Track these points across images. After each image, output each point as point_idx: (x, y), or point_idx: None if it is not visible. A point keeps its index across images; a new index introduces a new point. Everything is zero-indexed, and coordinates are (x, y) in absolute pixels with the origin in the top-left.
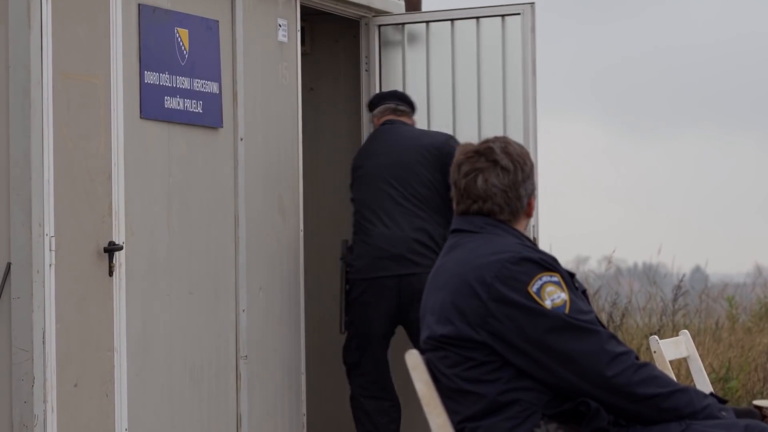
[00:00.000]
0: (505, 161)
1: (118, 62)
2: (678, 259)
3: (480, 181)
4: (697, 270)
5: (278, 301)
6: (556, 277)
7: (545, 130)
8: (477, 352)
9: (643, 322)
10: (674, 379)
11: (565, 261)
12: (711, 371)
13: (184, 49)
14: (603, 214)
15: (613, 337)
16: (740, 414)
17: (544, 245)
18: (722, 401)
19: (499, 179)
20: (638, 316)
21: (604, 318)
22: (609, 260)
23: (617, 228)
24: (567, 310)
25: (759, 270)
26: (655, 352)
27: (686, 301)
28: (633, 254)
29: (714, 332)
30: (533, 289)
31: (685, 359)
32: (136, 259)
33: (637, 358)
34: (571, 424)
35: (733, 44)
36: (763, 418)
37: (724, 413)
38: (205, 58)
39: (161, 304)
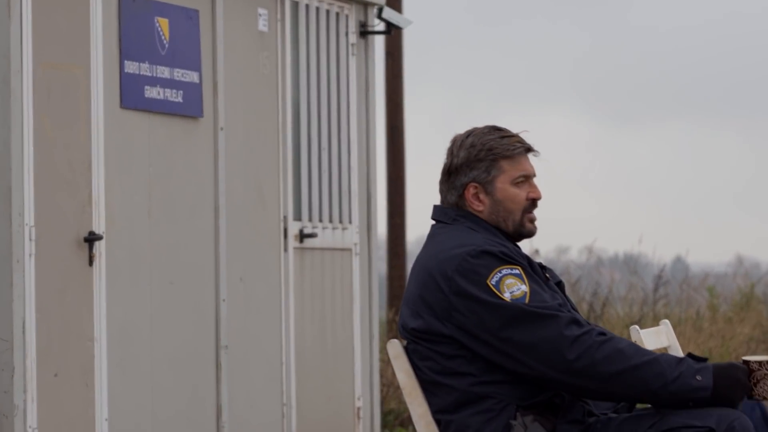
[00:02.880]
0: (447, 152)
1: (99, 52)
2: (659, 248)
3: None
4: (678, 260)
5: (259, 291)
6: (517, 270)
7: (524, 121)
8: (447, 346)
9: (623, 311)
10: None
11: (546, 251)
12: None
13: (164, 38)
14: (584, 204)
15: (575, 321)
16: (720, 369)
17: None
18: (701, 359)
19: (442, 169)
20: (619, 305)
21: (584, 308)
22: (590, 250)
23: (598, 218)
24: (527, 301)
25: (740, 260)
26: (635, 341)
27: (667, 291)
28: (614, 244)
29: (695, 322)
30: (492, 281)
31: (665, 349)
32: (117, 248)
33: (601, 334)
34: (548, 416)
35: (723, 26)
36: (750, 372)
37: (699, 377)
38: (186, 48)
39: (141, 293)
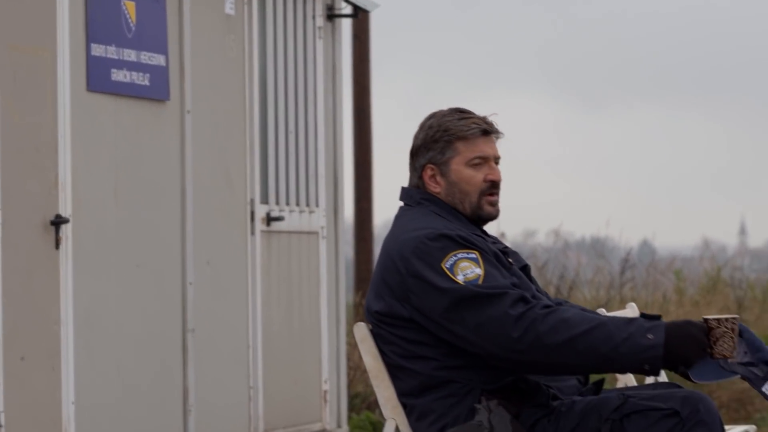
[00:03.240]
0: (414, 134)
1: (65, 35)
2: (626, 232)
3: None
4: (645, 243)
5: (225, 274)
6: (474, 254)
7: (491, 104)
8: (408, 330)
9: (590, 295)
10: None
11: (513, 234)
12: None
13: (131, 21)
14: (551, 187)
15: (522, 298)
16: (673, 327)
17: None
18: (654, 317)
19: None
20: (586, 289)
21: (551, 291)
22: (557, 233)
23: (565, 201)
24: (480, 283)
25: (706, 243)
26: None
27: (633, 275)
28: (581, 227)
29: (661, 305)
30: (447, 264)
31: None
32: (83, 232)
33: (546, 306)
34: (512, 400)
35: (698, 12)
36: (709, 330)
37: (650, 335)
38: (152, 31)
39: (108, 277)
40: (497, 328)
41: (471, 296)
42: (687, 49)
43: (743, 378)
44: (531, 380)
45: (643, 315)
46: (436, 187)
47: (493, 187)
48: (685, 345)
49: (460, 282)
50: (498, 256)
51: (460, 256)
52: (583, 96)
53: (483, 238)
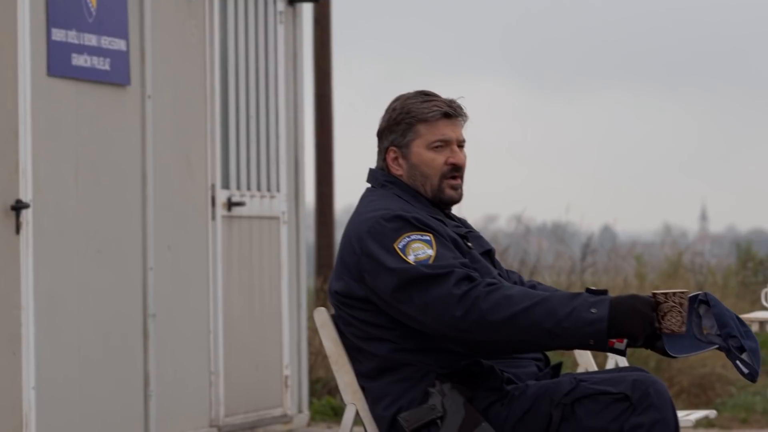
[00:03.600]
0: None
1: (25, 19)
2: (587, 217)
3: None
4: (606, 229)
5: (186, 260)
6: (428, 236)
7: (453, 90)
8: (366, 312)
9: (551, 280)
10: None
11: (475, 219)
12: None
13: (92, 6)
14: (513, 173)
15: (467, 277)
16: (618, 301)
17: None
18: (600, 292)
19: None
20: (547, 274)
21: None
22: (518, 219)
23: (527, 187)
24: (430, 264)
25: (667, 228)
26: None
27: (595, 260)
28: (542, 213)
29: (622, 290)
30: (399, 245)
31: None
32: (44, 217)
33: (489, 284)
34: (467, 384)
35: None
36: (657, 304)
37: (593, 310)
38: (113, 16)
39: (69, 262)
40: (442, 308)
41: (419, 276)
42: (655, 36)
43: (720, 349)
44: (485, 364)
45: (588, 290)
46: (398, 169)
47: (454, 170)
48: (629, 319)
49: (411, 262)
50: (456, 241)
51: (413, 237)
52: (547, 82)
53: (442, 221)
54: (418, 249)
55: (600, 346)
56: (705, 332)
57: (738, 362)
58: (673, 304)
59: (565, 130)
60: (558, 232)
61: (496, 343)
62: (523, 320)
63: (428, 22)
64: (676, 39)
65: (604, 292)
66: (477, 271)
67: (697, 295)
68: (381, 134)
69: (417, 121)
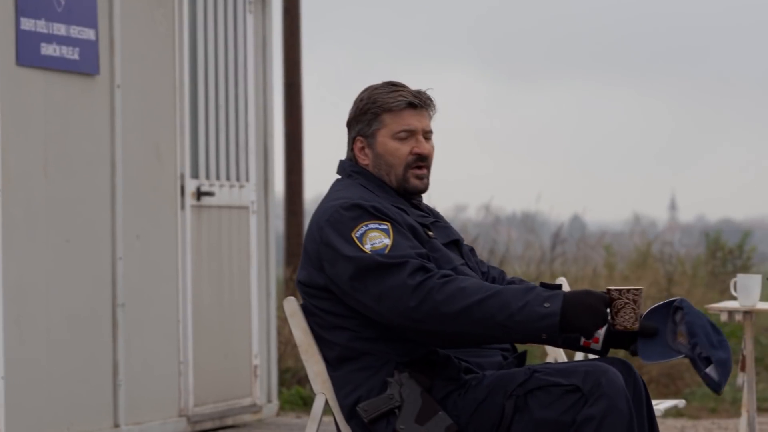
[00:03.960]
0: None
1: None
2: (556, 207)
3: None
4: (575, 218)
5: (155, 249)
6: (385, 225)
7: (421, 79)
8: (326, 301)
9: (521, 270)
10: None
11: (444, 209)
12: None
13: None
14: (482, 162)
15: (422, 267)
16: (572, 296)
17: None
18: (554, 287)
19: None
20: (516, 264)
21: None
22: (487, 208)
23: (496, 177)
24: (386, 253)
25: (636, 218)
26: None
27: (564, 249)
28: (511, 203)
29: (591, 280)
30: (357, 234)
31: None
32: (13, 206)
33: (444, 276)
34: (425, 373)
35: None
36: (611, 300)
37: (547, 304)
38: (82, 5)
39: (38, 251)
40: (396, 298)
41: (374, 265)
42: (625, 26)
43: (687, 358)
44: (442, 353)
45: (542, 284)
46: (364, 159)
47: (419, 160)
48: (582, 314)
49: (367, 251)
50: (415, 229)
51: (371, 226)
52: (516, 71)
53: (405, 210)
54: (375, 238)
55: (552, 340)
56: (680, 339)
57: (704, 373)
58: (627, 301)
59: (535, 119)
60: (527, 222)
61: (449, 334)
62: (476, 312)
63: (397, 12)
64: (646, 30)
65: (558, 286)
66: (436, 260)
67: (672, 301)
68: (349, 125)
69: (382, 110)
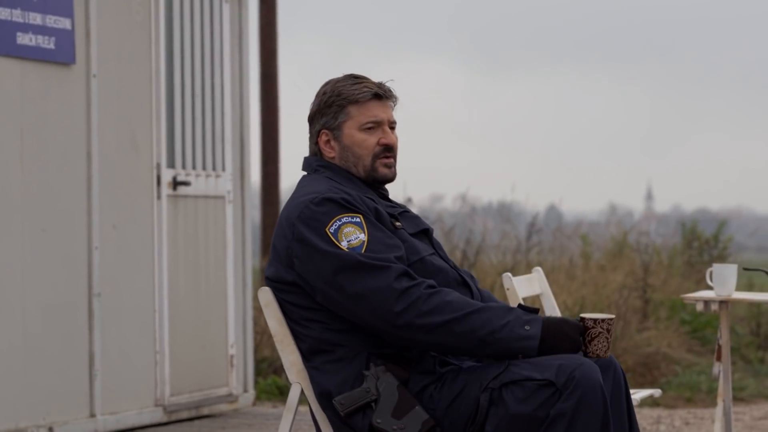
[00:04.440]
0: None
1: None
2: (532, 197)
3: None
4: (552, 208)
5: (132, 239)
6: (358, 218)
7: (399, 69)
8: (295, 295)
9: (497, 259)
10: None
11: (420, 198)
12: (565, 309)
13: None
14: (459, 152)
15: (406, 273)
16: (550, 323)
17: (398, 185)
18: (532, 311)
19: None
20: (492, 253)
21: (458, 256)
22: (463, 198)
23: (473, 166)
24: (363, 251)
25: (613, 208)
26: (508, 289)
27: (540, 239)
28: (488, 192)
29: (568, 270)
30: (331, 230)
31: (538, 296)
32: None
33: (431, 287)
34: (402, 366)
35: None
36: (585, 329)
37: (527, 327)
38: None
39: (13, 241)
40: (379, 300)
41: (353, 264)
42: (604, 18)
43: None
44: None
45: (520, 306)
46: (330, 152)
47: (386, 150)
48: (558, 342)
49: (344, 248)
50: (380, 215)
51: (344, 220)
52: (494, 62)
53: (374, 200)
54: (351, 234)
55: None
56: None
57: None
58: (601, 330)
59: (512, 109)
60: (503, 212)
61: (426, 343)
62: (458, 326)
63: (375, 3)
64: (625, 21)
65: (536, 311)
66: (405, 250)
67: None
68: (312, 118)
69: (348, 102)
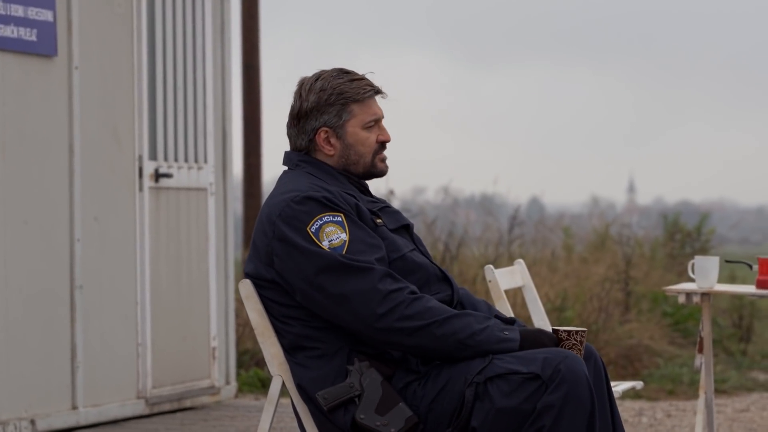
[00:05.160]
0: (294, 96)
1: None
2: (514, 189)
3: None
4: (534, 200)
5: (114, 231)
6: (339, 217)
7: (380, 62)
8: (273, 291)
9: (479, 252)
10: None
11: (402, 191)
12: (547, 301)
13: None
14: (441, 145)
15: (389, 274)
16: (527, 333)
17: (380, 178)
18: (509, 321)
19: (290, 113)
20: (474, 246)
21: (440, 248)
22: (446, 191)
23: (455, 159)
24: (344, 251)
25: (595, 200)
26: (490, 281)
27: (522, 232)
28: (470, 185)
29: (550, 262)
30: (312, 229)
31: (520, 289)
32: None
33: (413, 293)
34: (387, 363)
35: None
36: (559, 341)
37: (506, 332)
38: None
39: None
40: (362, 302)
41: (336, 265)
42: (585, 10)
43: None
44: None
45: (496, 317)
46: (330, 149)
47: (383, 147)
48: (535, 348)
49: (325, 248)
50: (361, 212)
51: (325, 219)
52: (475, 53)
53: (354, 196)
54: (332, 234)
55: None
56: None
57: None
58: (575, 342)
59: (494, 101)
60: (486, 204)
61: (405, 345)
62: (438, 329)
63: None
64: (606, 13)
65: (512, 321)
66: (386, 247)
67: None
68: (307, 114)
69: (351, 101)
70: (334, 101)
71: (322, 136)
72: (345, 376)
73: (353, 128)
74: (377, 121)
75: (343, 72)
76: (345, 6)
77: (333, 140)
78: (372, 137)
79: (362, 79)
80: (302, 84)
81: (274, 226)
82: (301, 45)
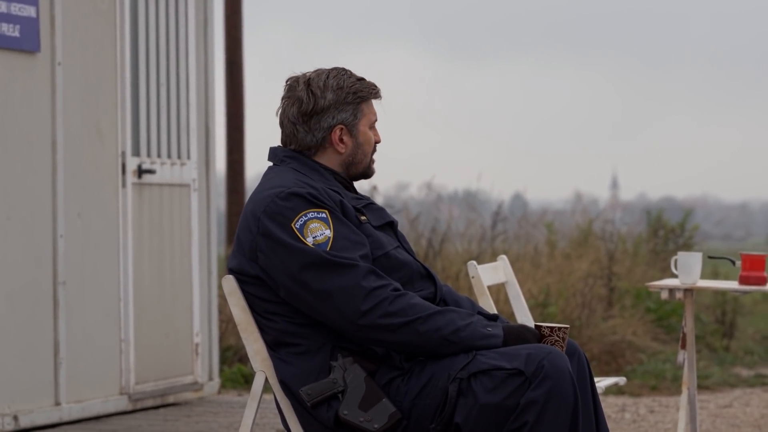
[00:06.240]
0: (301, 93)
1: None
2: (498, 185)
3: (280, 111)
4: (517, 196)
5: (97, 227)
6: (324, 214)
7: (364, 57)
8: (257, 287)
9: (462, 248)
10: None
11: (386, 187)
12: (530, 297)
13: None
14: (424, 140)
15: (373, 271)
16: (510, 329)
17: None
18: (491, 317)
19: (292, 111)
20: (458, 242)
21: (423, 244)
22: (429, 186)
23: (438, 155)
24: (329, 248)
25: (578, 196)
26: (473, 277)
27: (505, 227)
28: (453, 181)
29: (533, 258)
30: (296, 225)
31: (503, 285)
32: None
33: (396, 290)
34: (371, 359)
35: None
36: (542, 337)
37: (489, 328)
38: None
39: None
40: (346, 298)
41: (320, 262)
42: (569, 6)
43: None
44: None
45: (479, 313)
46: (342, 147)
47: (375, 148)
48: (521, 344)
49: (309, 245)
50: (345, 209)
51: (310, 216)
52: (459, 49)
53: (339, 192)
54: (316, 230)
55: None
56: None
57: None
58: (557, 339)
59: (477, 97)
60: (469, 200)
61: (389, 342)
62: (422, 326)
63: None
64: (589, 11)
65: (495, 317)
66: (370, 244)
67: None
68: (323, 111)
69: (362, 100)
70: (351, 100)
71: (337, 133)
72: (328, 372)
73: (363, 127)
74: (375, 122)
75: (348, 71)
76: (328, 1)
77: (346, 138)
78: (373, 137)
79: (366, 79)
80: (310, 81)
81: (259, 221)
82: (284, 41)
